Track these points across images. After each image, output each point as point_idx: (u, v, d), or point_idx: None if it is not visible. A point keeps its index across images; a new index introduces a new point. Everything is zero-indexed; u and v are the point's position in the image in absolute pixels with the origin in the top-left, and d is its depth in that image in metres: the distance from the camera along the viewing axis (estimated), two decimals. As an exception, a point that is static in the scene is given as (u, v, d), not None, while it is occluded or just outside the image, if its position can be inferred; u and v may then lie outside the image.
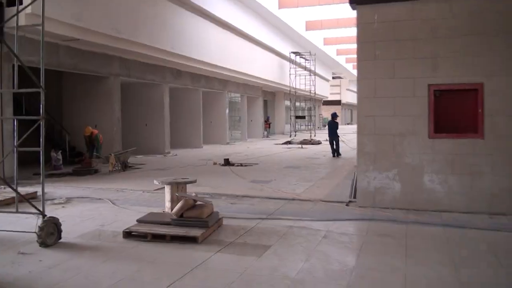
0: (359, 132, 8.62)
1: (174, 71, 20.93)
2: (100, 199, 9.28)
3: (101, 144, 15.14)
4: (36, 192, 9.64)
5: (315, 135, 36.15)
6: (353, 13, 9.42)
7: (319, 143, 26.66)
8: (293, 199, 9.20)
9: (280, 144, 26.93)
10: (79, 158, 15.21)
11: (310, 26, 36.60)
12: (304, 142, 26.25)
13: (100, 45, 14.78)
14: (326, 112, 70.05)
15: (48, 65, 13.73)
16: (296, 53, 36.10)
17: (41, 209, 6.24)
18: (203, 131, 24.79)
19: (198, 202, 6.75)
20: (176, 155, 19.90)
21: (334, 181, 11.67)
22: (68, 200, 9.15)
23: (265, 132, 35.29)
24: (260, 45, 29.69)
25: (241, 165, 15.61)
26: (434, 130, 8.27)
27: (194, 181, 7.75)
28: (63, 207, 8.53)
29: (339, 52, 50.94)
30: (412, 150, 8.29)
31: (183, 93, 23.79)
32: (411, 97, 8.34)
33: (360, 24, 8.84)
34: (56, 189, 10.74)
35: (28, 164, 15.86)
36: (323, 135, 36.94)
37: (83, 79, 16.48)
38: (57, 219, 6.18)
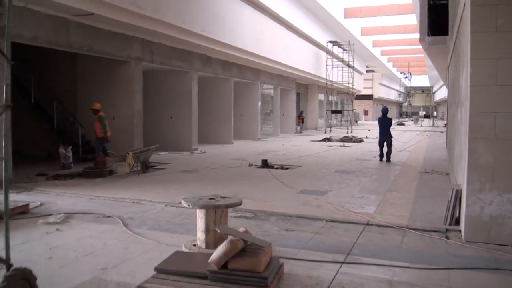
0: (471, 136, 6.06)
1: (204, 57, 18.57)
2: (109, 217, 6.96)
3: (100, 137, 12.49)
4: (28, 205, 7.38)
5: (351, 131, 33.55)
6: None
7: (361, 140, 24.00)
8: (369, 224, 6.73)
9: (317, 141, 24.34)
10: (92, 155, 13.00)
11: (349, 13, 33.86)
12: (344, 140, 23.63)
13: (119, 23, 12.50)
14: (357, 107, 67.02)
15: (56, 44, 11.55)
16: (334, 43, 33.38)
17: (5, 257, 3.88)
18: (233, 125, 22.39)
19: (249, 242, 4.35)
20: (204, 152, 17.57)
21: (408, 195, 9.13)
22: (67, 217, 6.86)
23: (298, 127, 32.74)
24: (296, 33, 27.12)
25: (282, 167, 13.18)
26: None
27: (239, 204, 5.35)
28: (57, 229, 6.23)
29: (375, 44, 47.97)
30: (549, 163, 5.74)
31: (212, 82, 21.43)
32: (549, 85, 5.77)
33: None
34: (57, 198, 8.49)
35: (35, 161, 13.79)
36: (359, 131, 34.33)
37: (99, 63, 14.24)
38: (29, 272, 3.84)
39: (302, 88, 36.53)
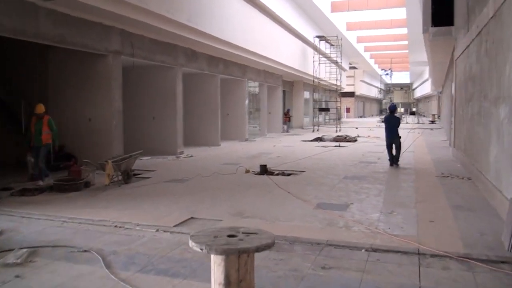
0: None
1: (189, 51, 16.94)
2: (85, 251, 5.36)
3: (48, 143, 10.30)
4: (-20, 234, 5.73)
5: (340, 129, 32.34)
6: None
7: (355, 140, 22.69)
8: (421, 253, 5.31)
9: (309, 141, 22.90)
10: (65, 164, 11.26)
11: (335, 7, 32.57)
12: (338, 139, 22.28)
13: (95, 10, 10.81)
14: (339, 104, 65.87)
15: (23, 34, 9.84)
16: (321, 37, 32.02)
17: None
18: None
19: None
20: (191, 156, 15.96)
21: (442, 208, 7.74)
22: (32, 253, 5.22)
23: (285, 126, 31.30)
24: (283, 26, 25.69)
25: (283, 173, 11.70)
26: None
27: (272, 244, 3.80)
28: (17, 276, 4.60)
29: (359, 40, 46.99)
30: None
31: (197, 79, 19.77)
32: None
33: None
34: (23, 222, 6.83)
35: (2, 170, 12.00)
36: (348, 129, 33.14)
37: (73, 56, 12.47)
38: None
39: (287, 85, 35.07)
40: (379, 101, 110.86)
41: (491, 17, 8.40)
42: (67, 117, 12.69)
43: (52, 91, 13.25)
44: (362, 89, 75.59)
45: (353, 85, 71.86)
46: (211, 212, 7.36)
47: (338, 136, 23.69)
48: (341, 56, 34.03)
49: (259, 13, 21.18)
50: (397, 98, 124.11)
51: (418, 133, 29.42)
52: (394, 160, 13.16)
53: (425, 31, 16.24)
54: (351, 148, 18.83)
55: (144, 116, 16.32)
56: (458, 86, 14.26)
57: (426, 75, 67.69)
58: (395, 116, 13.69)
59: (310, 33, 31.48)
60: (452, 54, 16.25)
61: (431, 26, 15.89)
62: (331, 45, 33.83)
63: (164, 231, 6.24)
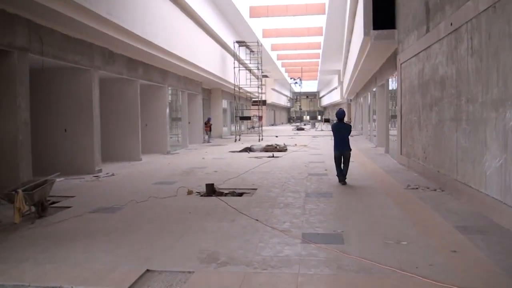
0: None
1: (106, 51, 14.59)
2: None
3: None
4: None
5: (262, 138, 31.15)
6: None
7: (285, 149, 21.45)
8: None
9: (238, 151, 21.26)
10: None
11: (254, 12, 31.49)
12: (269, 149, 20.91)
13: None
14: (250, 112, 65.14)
15: None
16: (241, 43, 30.70)
17: None
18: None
19: None
20: (112, 174, 13.57)
21: (446, 230, 6.48)
22: None
23: (206, 136, 29.46)
24: (204, 29, 24.06)
25: (234, 193, 9.93)
26: None
27: None
28: None
29: (273, 48, 46.60)
30: None
31: (114, 85, 17.34)
32: None
33: None
34: None
35: None
36: (269, 138, 32.15)
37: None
38: None
39: (205, 93, 33.17)
40: (288, 109, 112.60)
41: (484, 10, 7.36)
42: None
43: None
44: (273, 98, 75.71)
45: (264, 93, 71.67)
46: (173, 259, 5.42)
47: (268, 145, 22.31)
48: (261, 63, 32.87)
49: (181, 13, 19.33)
50: (304, 106, 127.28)
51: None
52: (343, 176, 11.25)
53: (366, 34, 15.43)
54: (287, 159, 17.47)
55: (53, 127, 13.66)
56: (408, 91, 13.43)
57: (335, 83, 69.47)
58: (345, 124, 11.91)
59: (229, 39, 30.11)
60: (395, 58, 15.52)
61: (372, 29, 15.12)
62: (251, 51, 32.67)
63: (116, 298, 4.24)
